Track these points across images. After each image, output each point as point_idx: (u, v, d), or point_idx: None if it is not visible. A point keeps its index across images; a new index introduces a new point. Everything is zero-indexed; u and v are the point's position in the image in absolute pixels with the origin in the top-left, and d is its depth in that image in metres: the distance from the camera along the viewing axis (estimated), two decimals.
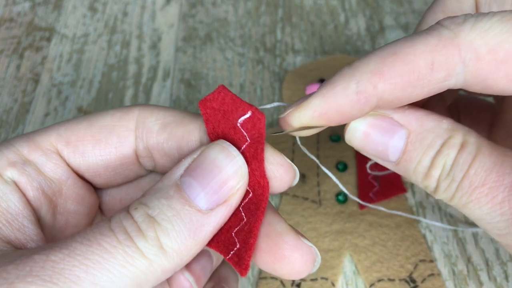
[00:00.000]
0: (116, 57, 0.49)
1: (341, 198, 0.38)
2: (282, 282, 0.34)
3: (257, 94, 0.46)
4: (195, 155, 0.22)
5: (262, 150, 0.22)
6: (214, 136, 0.23)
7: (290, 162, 0.23)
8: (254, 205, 0.22)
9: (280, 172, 0.23)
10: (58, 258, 0.19)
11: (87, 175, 0.26)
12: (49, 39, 0.50)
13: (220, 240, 0.22)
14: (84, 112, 0.45)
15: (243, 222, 0.22)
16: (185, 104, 0.45)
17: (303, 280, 0.34)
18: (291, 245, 0.22)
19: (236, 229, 0.22)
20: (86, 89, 0.46)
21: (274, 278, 0.34)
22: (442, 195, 0.23)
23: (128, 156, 0.26)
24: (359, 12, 0.52)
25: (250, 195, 0.22)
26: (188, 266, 0.25)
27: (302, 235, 0.23)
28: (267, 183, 0.22)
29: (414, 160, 0.23)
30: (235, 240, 0.22)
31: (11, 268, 0.19)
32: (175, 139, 0.25)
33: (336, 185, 0.39)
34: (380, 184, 0.38)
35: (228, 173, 0.22)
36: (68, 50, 0.49)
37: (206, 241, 0.22)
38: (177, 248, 0.21)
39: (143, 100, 0.45)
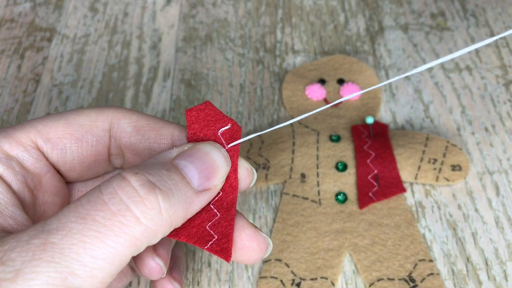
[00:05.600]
0: (116, 58, 0.49)
1: (341, 198, 0.38)
2: (282, 281, 0.34)
3: (257, 94, 0.46)
4: (185, 147, 0.25)
5: (237, 157, 0.26)
6: (193, 140, 0.26)
7: (252, 167, 0.27)
8: (227, 203, 0.26)
9: (245, 174, 0.27)
10: (57, 239, 0.20)
11: (63, 170, 0.28)
12: (50, 40, 0.50)
13: (192, 233, 0.25)
14: None
15: (217, 218, 0.25)
16: (185, 104, 0.45)
17: (302, 279, 0.34)
18: (250, 237, 0.26)
19: (209, 223, 0.25)
20: (87, 89, 0.46)
21: (274, 277, 0.35)
22: None
23: (102, 154, 0.28)
24: (359, 12, 0.52)
25: (220, 194, 0.26)
26: (156, 251, 0.27)
27: (259, 229, 0.27)
28: (237, 183, 0.26)
29: None
30: (210, 232, 0.25)
31: (15, 256, 0.20)
32: (148, 141, 0.27)
33: (336, 185, 0.39)
34: (379, 184, 0.38)
35: (218, 165, 0.25)
36: (68, 50, 0.49)
37: (187, 218, 0.24)
38: (173, 215, 0.22)
39: (143, 100, 0.45)
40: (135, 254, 0.22)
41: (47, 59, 0.49)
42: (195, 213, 0.24)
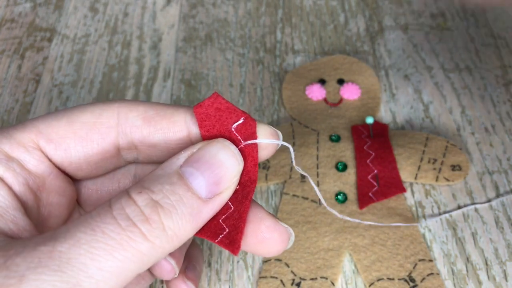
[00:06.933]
0: (116, 58, 0.49)
1: (341, 198, 0.38)
2: (282, 281, 0.34)
3: (257, 94, 0.46)
4: (194, 149, 0.24)
5: (257, 151, 0.25)
6: (208, 138, 0.25)
7: (276, 130, 0.26)
8: (241, 196, 0.25)
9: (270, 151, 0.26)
10: (64, 248, 0.20)
11: (69, 169, 0.27)
12: (50, 40, 0.50)
13: (206, 227, 0.24)
14: None
15: (230, 211, 0.24)
16: (185, 104, 0.45)
17: (302, 279, 0.34)
18: (270, 228, 0.25)
19: (223, 216, 0.24)
20: (87, 89, 0.46)
21: (274, 277, 0.35)
22: None
23: (109, 151, 0.27)
24: (359, 12, 0.52)
25: (237, 187, 0.25)
26: None
27: (279, 219, 0.26)
28: (257, 177, 0.25)
29: None
30: (223, 226, 0.24)
31: (20, 261, 0.20)
32: (162, 131, 0.26)
33: (336, 185, 0.39)
34: (379, 184, 0.38)
35: (227, 167, 0.24)
36: (69, 50, 0.50)
37: (199, 227, 0.24)
38: (178, 231, 0.22)
39: (144, 100, 0.45)
40: (140, 271, 0.22)
41: (47, 59, 0.49)
42: (208, 219, 0.24)
